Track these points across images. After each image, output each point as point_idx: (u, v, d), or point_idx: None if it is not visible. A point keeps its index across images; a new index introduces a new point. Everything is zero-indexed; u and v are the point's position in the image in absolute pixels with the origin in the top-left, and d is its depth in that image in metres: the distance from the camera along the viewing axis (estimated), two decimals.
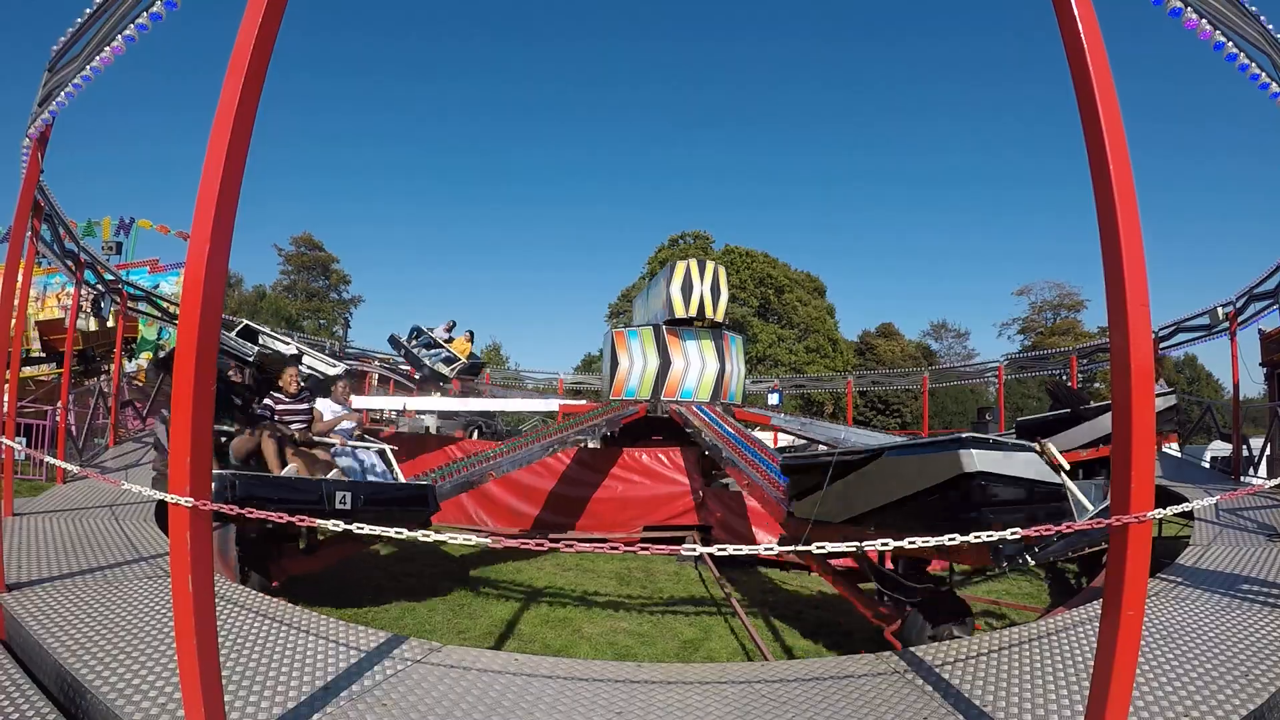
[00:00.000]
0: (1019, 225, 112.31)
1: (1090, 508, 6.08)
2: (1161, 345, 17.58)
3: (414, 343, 21.30)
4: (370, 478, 8.84)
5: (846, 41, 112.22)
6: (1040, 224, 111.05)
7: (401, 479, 9.10)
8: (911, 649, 4.96)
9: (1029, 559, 5.97)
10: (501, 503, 14.64)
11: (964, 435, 5.86)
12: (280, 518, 3.63)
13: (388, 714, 3.68)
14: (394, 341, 21.63)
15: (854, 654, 5.08)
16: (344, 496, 7.45)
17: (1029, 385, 60.23)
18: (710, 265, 17.03)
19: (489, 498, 14.51)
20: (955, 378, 35.09)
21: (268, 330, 18.21)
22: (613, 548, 3.92)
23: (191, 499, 2.88)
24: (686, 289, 16.56)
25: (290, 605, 5.67)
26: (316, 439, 8.94)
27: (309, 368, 16.20)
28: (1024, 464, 5.75)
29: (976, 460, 5.46)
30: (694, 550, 3.75)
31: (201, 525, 2.95)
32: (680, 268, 16.83)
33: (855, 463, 6.77)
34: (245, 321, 17.93)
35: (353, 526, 3.58)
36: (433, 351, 20.78)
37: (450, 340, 21.82)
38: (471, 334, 21.45)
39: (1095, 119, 3.01)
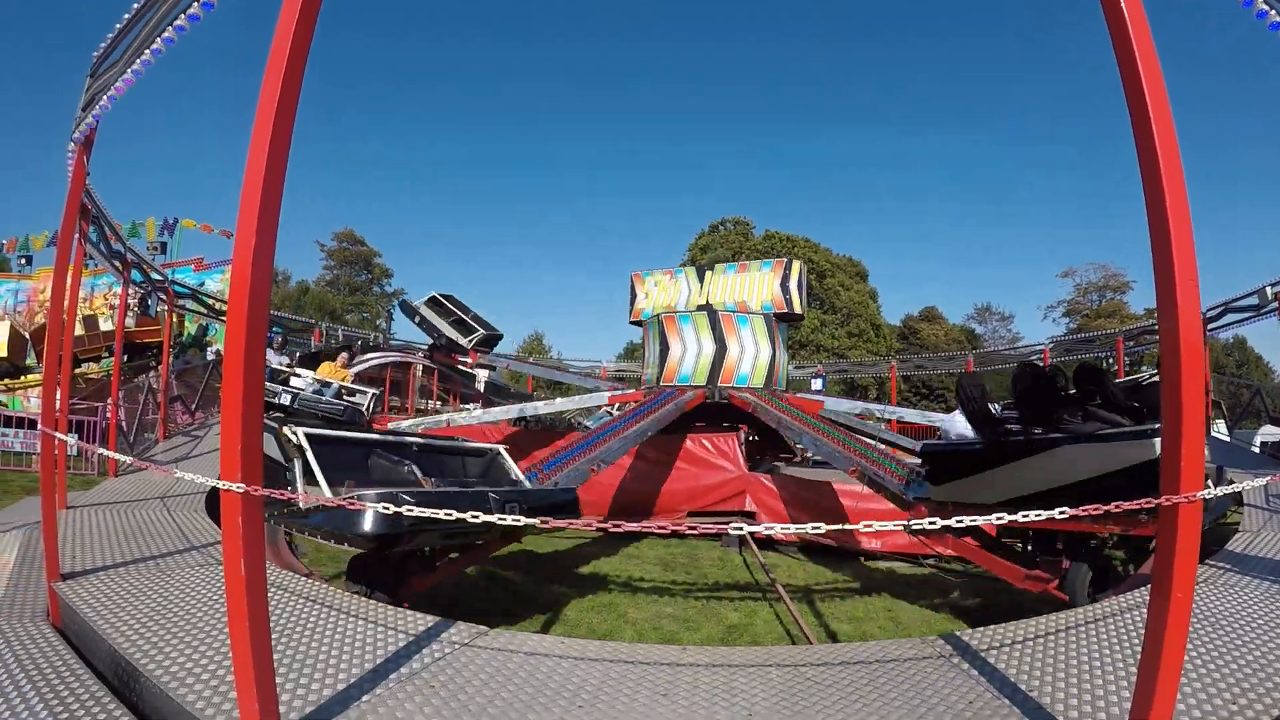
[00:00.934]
0: (1063, 206, 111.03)
1: None
2: (1210, 326, 17.33)
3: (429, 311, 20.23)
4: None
5: (886, 27, 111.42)
6: (1085, 205, 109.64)
7: (526, 482, 8.60)
8: (957, 633, 4.93)
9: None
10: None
11: (1153, 427, 6.37)
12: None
13: (435, 696, 3.73)
14: (406, 307, 20.96)
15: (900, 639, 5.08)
16: (513, 507, 7.07)
17: (1074, 368, 59.57)
18: (797, 264, 17.25)
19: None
20: (1000, 361, 34.71)
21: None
22: (660, 528, 3.92)
23: (243, 485, 2.93)
24: (800, 287, 16.83)
25: (338, 591, 5.75)
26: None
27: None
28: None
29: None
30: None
31: (253, 511, 3.01)
32: (796, 266, 17.25)
33: (1018, 452, 7.33)
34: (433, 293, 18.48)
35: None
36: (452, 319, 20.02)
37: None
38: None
39: (1141, 100, 2.97)
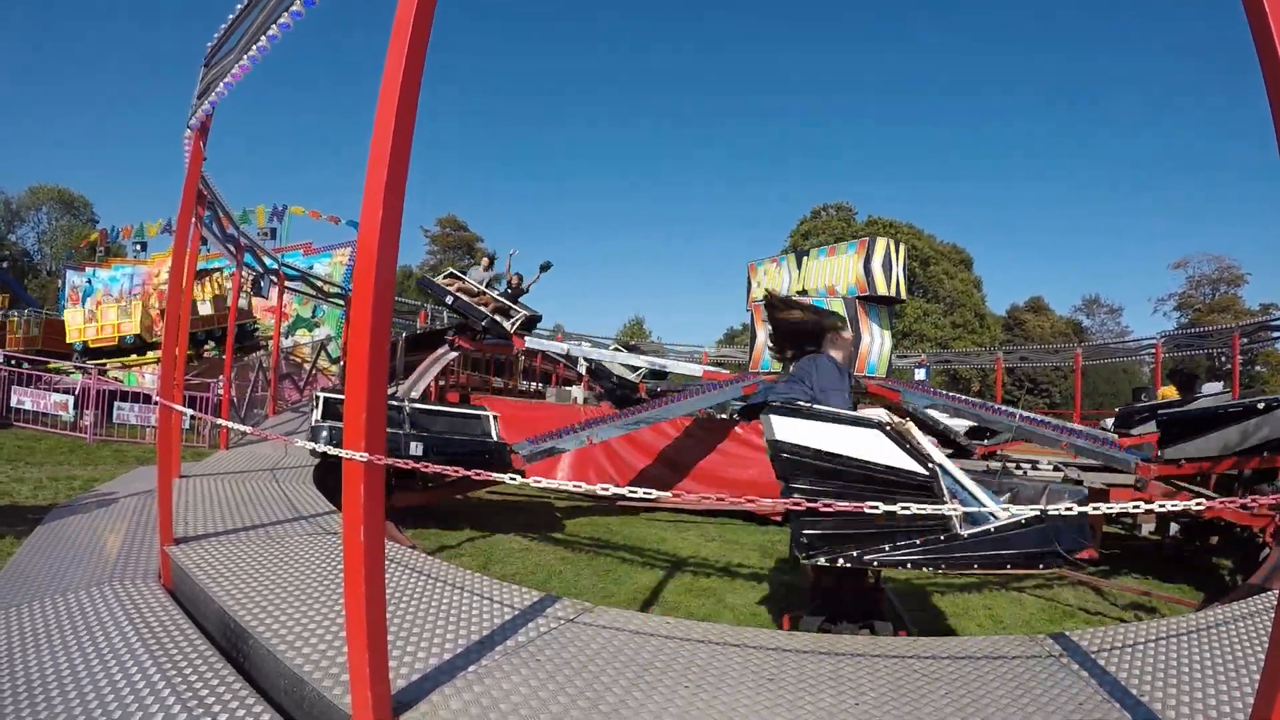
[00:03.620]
0: (1175, 195, 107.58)
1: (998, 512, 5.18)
2: None
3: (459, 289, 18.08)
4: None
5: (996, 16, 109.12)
6: (1198, 194, 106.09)
7: (497, 439, 10.54)
8: (1066, 633, 4.82)
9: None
10: (639, 469, 14.91)
11: None
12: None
13: (541, 669, 3.77)
14: (429, 284, 19.43)
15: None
16: (416, 446, 9.02)
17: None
18: (882, 243, 16.79)
19: (624, 461, 15.00)
20: (1109, 355, 33.79)
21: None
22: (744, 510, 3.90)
23: (367, 454, 3.00)
24: (887, 266, 16.26)
25: (445, 564, 5.85)
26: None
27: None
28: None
29: None
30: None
31: (375, 480, 3.08)
32: (880, 245, 16.51)
33: (1236, 416, 9.38)
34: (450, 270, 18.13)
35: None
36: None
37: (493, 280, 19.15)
38: (491, 259, 18.75)
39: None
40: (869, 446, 5.12)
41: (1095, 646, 4.52)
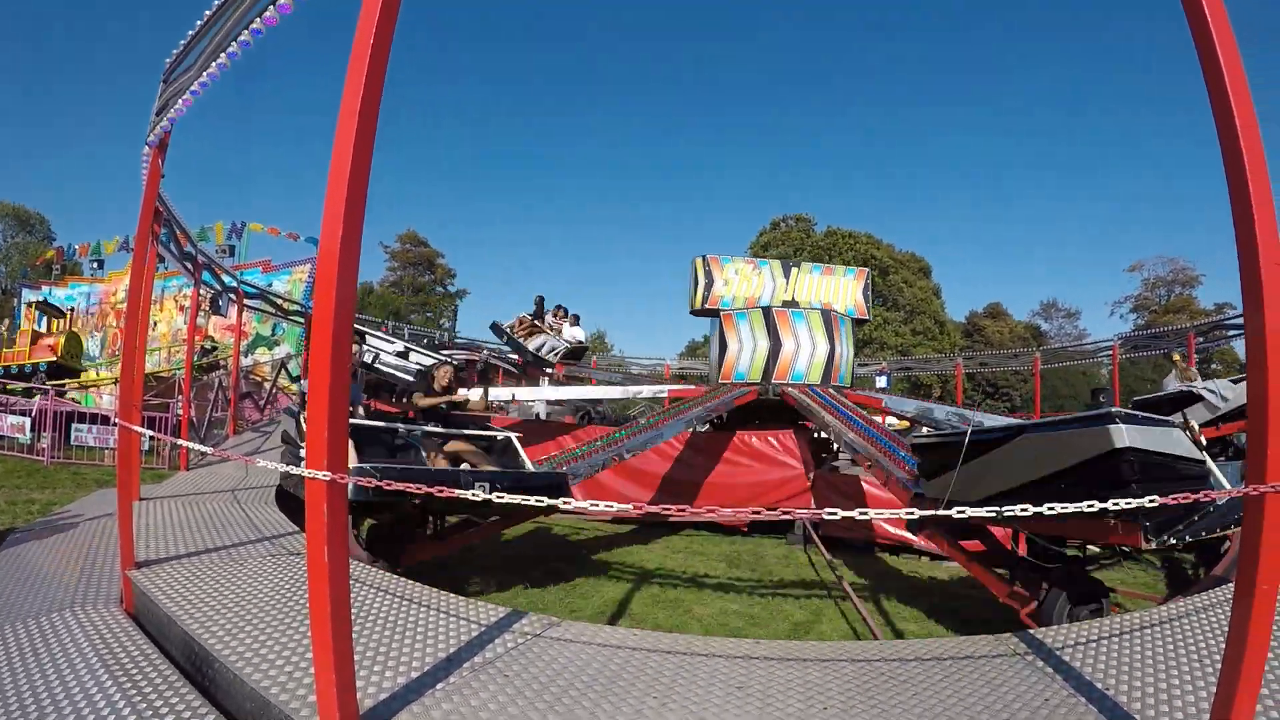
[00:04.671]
0: (1129, 200, 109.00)
1: (1229, 487, 5.71)
2: None
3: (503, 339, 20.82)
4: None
5: (952, 22, 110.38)
6: (1152, 197, 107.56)
7: (529, 466, 9.19)
8: (1031, 631, 4.88)
9: (1176, 538, 5.72)
10: (612, 488, 14.64)
11: (1112, 410, 5.70)
12: (416, 489, 3.78)
13: (510, 685, 3.76)
14: (496, 329, 21.65)
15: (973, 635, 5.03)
16: (482, 486, 7.52)
17: (1142, 366, 58.40)
18: (865, 273, 17.74)
19: (599, 484, 14.56)
20: (1067, 358, 34.14)
21: (370, 330, 18.57)
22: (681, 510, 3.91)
23: (329, 473, 2.98)
24: (867, 293, 17.91)
25: (412, 582, 5.81)
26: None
27: (418, 363, 16.43)
28: (1172, 440, 5.59)
29: (1126, 435, 5.34)
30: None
31: (338, 499, 3.06)
32: (865, 274, 18.20)
33: (990, 442, 6.60)
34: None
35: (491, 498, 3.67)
36: (536, 340, 20.75)
37: (552, 327, 21.76)
38: (576, 317, 21.31)
39: (1221, 85, 2.92)
40: (1177, 444, 5.63)
41: (1061, 643, 4.57)
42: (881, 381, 31.07)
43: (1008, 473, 6.35)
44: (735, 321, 16.69)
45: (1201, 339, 23.66)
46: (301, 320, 24.11)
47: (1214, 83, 2.95)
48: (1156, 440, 5.46)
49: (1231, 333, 23.30)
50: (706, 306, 17.81)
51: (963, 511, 3.56)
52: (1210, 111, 2.99)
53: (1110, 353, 25.52)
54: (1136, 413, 5.83)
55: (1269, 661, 3.65)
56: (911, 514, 3.78)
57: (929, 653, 4.47)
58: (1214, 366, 56.36)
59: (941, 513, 3.54)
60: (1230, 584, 5.49)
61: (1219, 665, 3.02)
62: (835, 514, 3.52)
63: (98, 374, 27.96)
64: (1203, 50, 3.00)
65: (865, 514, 3.54)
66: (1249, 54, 2.98)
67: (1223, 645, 3.00)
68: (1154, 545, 5.70)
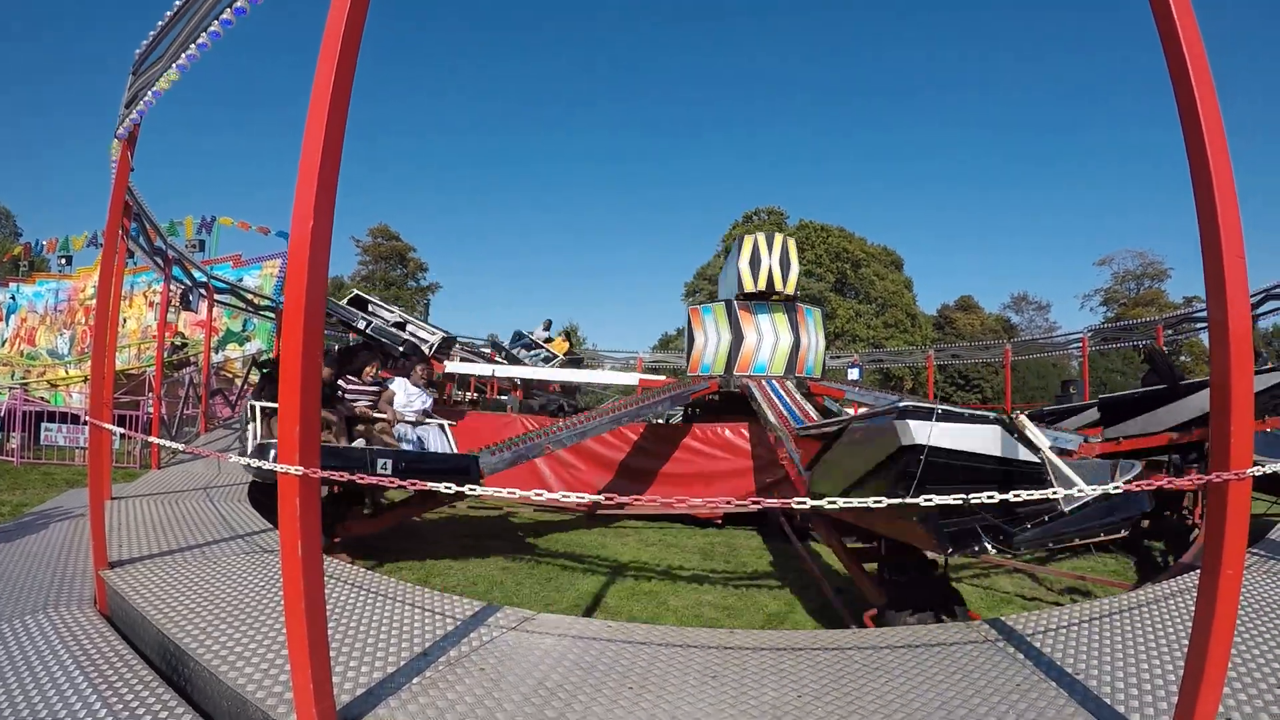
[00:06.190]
0: (1099, 193, 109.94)
1: (1088, 490, 4.95)
2: (1251, 313, 17.08)
3: (514, 346, 21.14)
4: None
5: (925, 16, 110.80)
6: (1120, 190, 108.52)
7: (454, 451, 10.08)
8: (1002, 618, 4.91)
9: (993, 546, 5.18)
10: (584, 478, 14.63)
11: (904, 404, 5.36)
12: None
13: (485, 678, 3.77)
14: (494, 345, 21.58)
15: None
16: (384, 463, 8.16)
17: (1112, 358, 58.95)
18: (779, 238, 16.37)
19: (571, 470, 14.66)
20: (1038, 350, 34.37)
21: (375, 299, 17.92)
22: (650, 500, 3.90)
23: (301, 468, 2.98)
24: (754, 263, 16.02)
25: (387, 578, 5.81)
26: (377, 416, 10.33)
27: (413, 335, 16.13)
28: (981, 438, 5.17)
29: (915, 432, 5.02)
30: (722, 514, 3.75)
31: (310, 493, 3.06)
32: (748, 241, 16.36)
33: (837, 434, 6.51)
34: (355, 291, 17.67)
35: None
36: (532, 353, 20.73)
37: (549, 340, 21.76)
38: (567, 333, 21.21)
39: (1187, 84, 2.96)
40: (990, 442, 5.14)
41: (1031, 629, 4.62)
42: (854, 374, 31.20)
43: (849, 466, 6.18)
44: (702, 315, 16.66)
45: (1170, 331, 23.90)
46: (273, 315, 23.96)
47: (1179, 77, 2.99)
48: (960, 438, 5.08)
49: (1199, 325, 23.54)
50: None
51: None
52: (1176, 106, 3.03)
53: (1080, 345, 25.73)
54: (937, 407, 5.38)
55: (1234, 644, 3.72)
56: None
57: (902, 640, 4.51)
58: (1183, 358, 56.96)
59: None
60: (1198, 570, 5.57)
61: (1186, 648, 3.07)
62: (805, 503, 3.56)
63: (67, 372, 27.69)
64: (1168, 46, 3.03)
65: (835, 503, 3.56)
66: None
67: (1190, 629, 3.05)
68: (952, 553, 5.35)
